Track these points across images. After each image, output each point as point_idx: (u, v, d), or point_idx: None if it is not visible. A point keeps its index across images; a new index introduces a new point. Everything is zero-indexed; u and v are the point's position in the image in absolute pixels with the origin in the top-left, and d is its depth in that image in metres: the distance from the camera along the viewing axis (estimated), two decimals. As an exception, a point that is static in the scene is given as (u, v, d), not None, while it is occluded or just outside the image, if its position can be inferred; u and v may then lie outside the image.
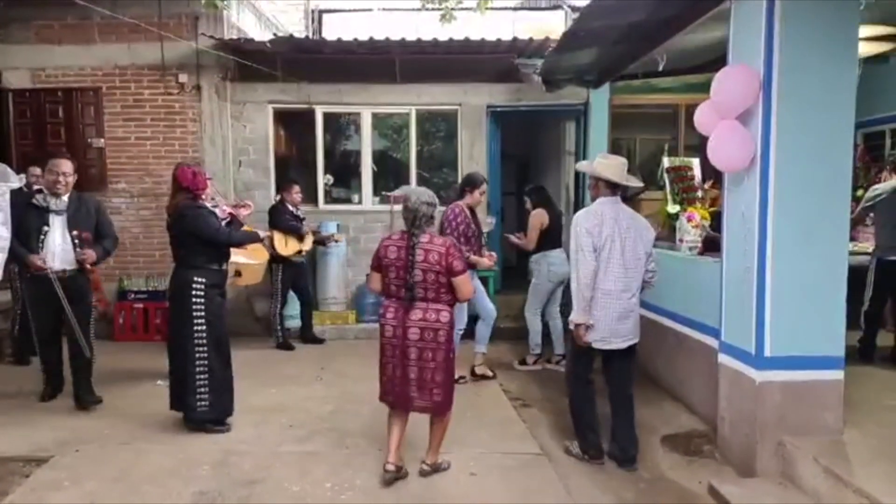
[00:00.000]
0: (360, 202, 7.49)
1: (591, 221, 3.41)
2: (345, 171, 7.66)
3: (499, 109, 7.36)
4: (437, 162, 7.88)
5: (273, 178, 7.39)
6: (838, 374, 3.14)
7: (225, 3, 4.99)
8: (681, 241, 4.87)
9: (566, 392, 3.78)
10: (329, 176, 7.50)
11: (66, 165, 4.05)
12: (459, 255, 3.18)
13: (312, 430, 3.93)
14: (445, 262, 3.07)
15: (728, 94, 3.12)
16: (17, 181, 3.04)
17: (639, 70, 5.91)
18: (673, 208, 5.59)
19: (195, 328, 3.73)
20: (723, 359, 3.51)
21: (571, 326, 3.46)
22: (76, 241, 4.08)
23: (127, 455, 3.47)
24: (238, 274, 4.88)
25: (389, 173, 7.69)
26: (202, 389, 3.75)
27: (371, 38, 6.54)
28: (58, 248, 4.03)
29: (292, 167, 7.71)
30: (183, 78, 7.19)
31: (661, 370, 4.84)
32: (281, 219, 6.03)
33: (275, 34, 7.60)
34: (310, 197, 7.26)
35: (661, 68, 5.20)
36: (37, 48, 7.18)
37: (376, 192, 7.48)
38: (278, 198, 6.44)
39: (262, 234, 4.55)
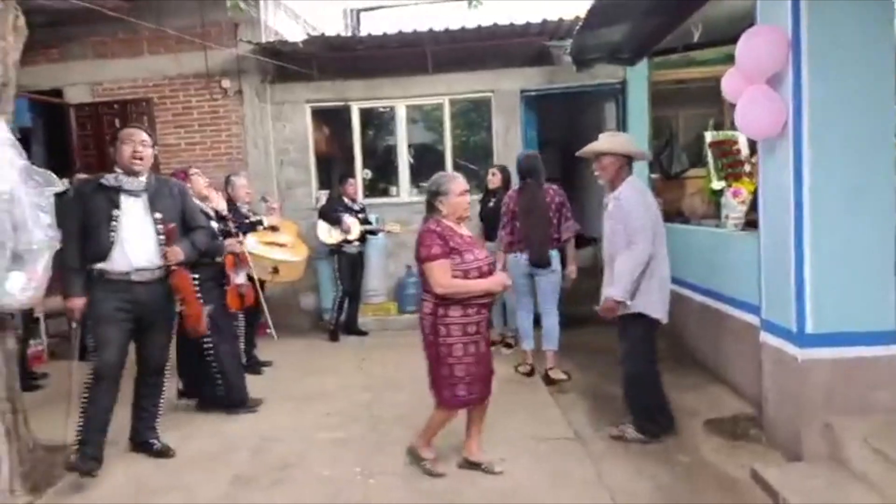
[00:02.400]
0: (397, 194, 7.55)
1: (646, 199, 3.43)
2: (382, 165, 7.74)
3: (533, 94, 7.24)
4: (473, 151, 7.86)
5: (314, 175, 7.54)
6: (891, 350, 2.92)
7: (250, 4, 5.08)
8: (726, 217, 4.65)
9: (632, 374, 3.55)
10: (367, 170, 7.60)
11: (143, 134, 3.33)
12: (430, 241, 2.96)
13: (348, 418, 4.00)
14: (417, 249, 3.02)
15: (754, 57, 2.95)
16: (60, 185, 3.20)
17: (675, 44, 5.70)
18: (717, 185, 5.35)
19: None
20: (764, 337, 3.34)
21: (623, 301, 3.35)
22: (160, 230, 3.29)
23: (170, 440, 3.60)
24: (276, 271, 4.97)
25: (425, 165, 7.70)
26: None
27: (400, 31, 6.55)
28: (135, 239, 3.22)
29: (333, 164, 7.85)
30: (226, 84, 7.43)
31: (706, 353, 4.66)
32: (327, 208, 6.21)
33: (308, 35, 7.71)
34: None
35: (695, 39, 4.99)
36: (93, 63, 7.59)
37: (414, 183, 7.51)
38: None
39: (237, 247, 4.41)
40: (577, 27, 5.22)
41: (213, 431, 3.81)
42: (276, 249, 5.03)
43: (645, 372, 3.54)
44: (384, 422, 3.89)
